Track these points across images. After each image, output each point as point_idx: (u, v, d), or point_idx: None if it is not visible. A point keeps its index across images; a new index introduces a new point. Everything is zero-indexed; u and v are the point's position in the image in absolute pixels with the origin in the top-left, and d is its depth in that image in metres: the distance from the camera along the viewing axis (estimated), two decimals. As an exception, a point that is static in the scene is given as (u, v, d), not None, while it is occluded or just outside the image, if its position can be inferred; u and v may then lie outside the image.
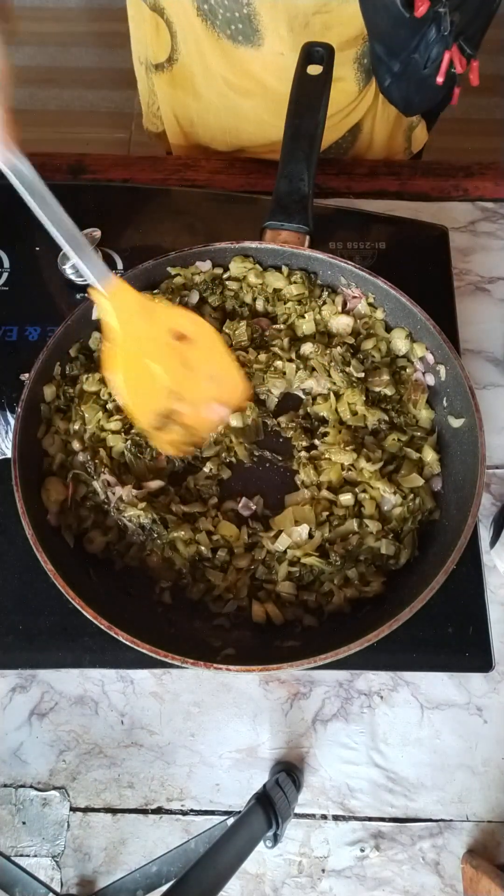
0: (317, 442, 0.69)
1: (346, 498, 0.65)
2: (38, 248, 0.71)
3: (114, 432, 0.68)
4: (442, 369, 0.69)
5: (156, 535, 0.64)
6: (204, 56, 0.88)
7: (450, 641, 0.65)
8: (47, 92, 2.08)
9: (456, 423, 0.67)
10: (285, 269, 0.74)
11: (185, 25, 0.86)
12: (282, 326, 0.73)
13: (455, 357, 0.66)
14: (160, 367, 0.63)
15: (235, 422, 0.69)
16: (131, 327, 0.62)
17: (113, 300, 0.60)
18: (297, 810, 0.62)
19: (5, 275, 0.82)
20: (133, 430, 0.68)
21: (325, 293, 0.74)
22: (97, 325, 0.73)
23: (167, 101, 0.98)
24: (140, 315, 0.62)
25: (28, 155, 0.88)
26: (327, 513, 0.65)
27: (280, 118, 0.77)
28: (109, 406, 0.69)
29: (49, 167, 0.89)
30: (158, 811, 0.62)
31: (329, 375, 0.70)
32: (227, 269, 0.75)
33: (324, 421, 0.70)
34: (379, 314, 0.73)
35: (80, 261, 0.58)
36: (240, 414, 0.69)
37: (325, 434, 0.69)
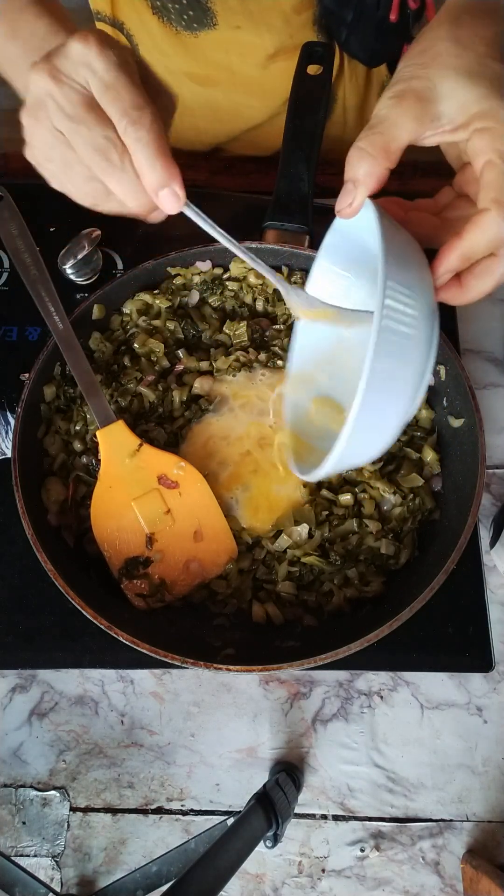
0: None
1: (345, 498, 0.65)
2: (38, 248, 0.71)
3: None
4: (442, 369, 0.69)
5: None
6: (166, 57, 0.87)
7: (450, 641, 0.65)
8: (47, 92, 2.07)
9: (456, 423, 0.67)
10: (285, 270, 0.74)
11: (143, 32, 0.86)
12: (282, 326, 0.73)
13: (455, 357, 0.66)
14: (140, 511, 0.63)
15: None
16: (119, 467, 0.63)
17: (106, 437, 0.63)
18: (297, 810, 0.62)
19: (5, 275, 0.82)
20: (136, 431, 0.68)
21: (325, 293, 0.74)
22: (97, 325, 0.73)
23: None
24: (130, 455, 0.63)
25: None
26: (327, 512, 0.65)
27: (252, 96, 0.76)
28: (111, 407, 0.69)
29: (49, 167, 0.89)
30: (158, 811, 0.62)
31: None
32: (227, 270, 0.75)
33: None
34: (379, 314, 0.73)
35: (88, 399, 0.64)
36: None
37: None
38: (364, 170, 0.43)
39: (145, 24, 0.84)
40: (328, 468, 0.46)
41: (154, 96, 0.43)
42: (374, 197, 0.45)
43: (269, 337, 0.73)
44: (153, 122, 0.40)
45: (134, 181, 0.42)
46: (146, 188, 0.42)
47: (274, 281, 0.49)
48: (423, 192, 0.93)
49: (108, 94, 0.40)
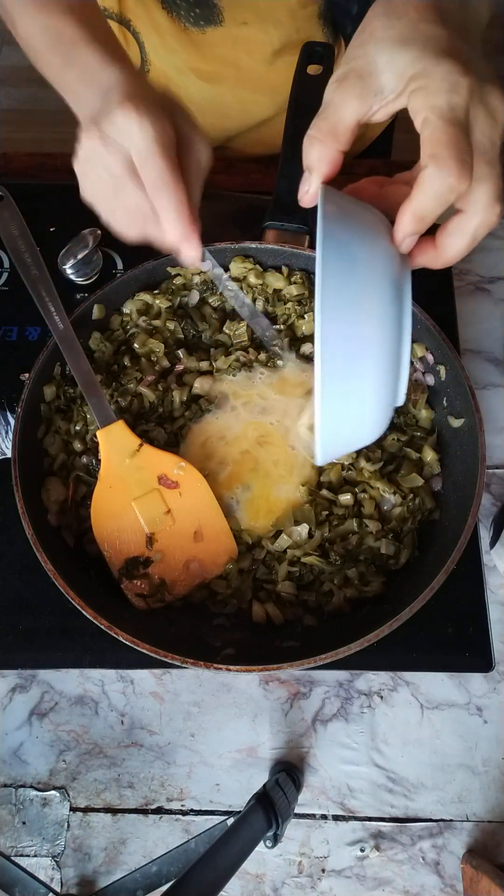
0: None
1: (345, 498, 0.65)
2: (38, 248, 0.71)
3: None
4: (442, 369, 0.69)
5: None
6: (173, 55, 0.87)
7: (450, 641, 0.65)
8: (48, 92, 2.08)
9: (456, 423, 0.67)
10: (285, 270, 0.74)
11: (151, 29, 0.86)
12: (282, 327, 0.73)
13: (455, 357, 0.66)
14: (140, 511, 0.63)
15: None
16: (120, 467, 0.63)
17: (106, 436, 0.63)
18: (297, 810, 0.62)
19: (5, 275, 0.82)
20: (136, 431, 0.68)
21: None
22: (97, 325, 0.73)
23: None
24: (130, 456, 0.63)
25: (27, 155, 0.88)
26: (327, 512, 0.65)
27: (259, 92, 0.75)
28: (111, 407, 0.69)
29: (49, 167, 0.89)
30: (158, 811, 0.62)
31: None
32: (227, 270, 0.75)
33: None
34: (379, 314, 0.73)
35: (88, 399, 0.64)
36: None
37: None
38: (315, 155, 0.45)
39: (154, 21, 0.84)
40: (319, 446, 0.47)
41: (189, 149, 0.52)
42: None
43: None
44: (173, 192, 0.49)
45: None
46: (171, 241, 0.52)
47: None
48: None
49: (142, 167, 0.48)
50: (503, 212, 0.42)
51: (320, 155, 0.44)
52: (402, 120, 1.10)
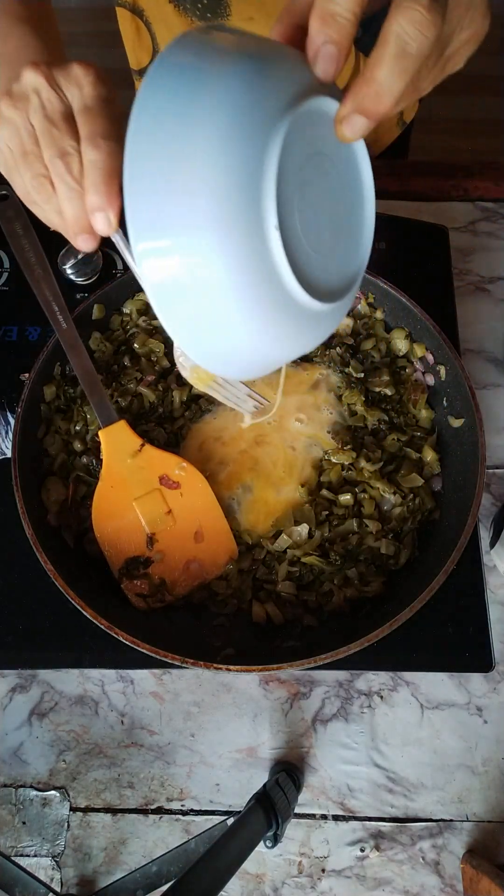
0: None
1: (345, 498, 0.65)
2: (38, 248, 0.72)
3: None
4: (442, 369, 0.69)
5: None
6: None
7: (450, 641, 0.65)
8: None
9: (456, 423, 0.67)
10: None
11: (161, 20, 0.86)
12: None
13: (455, 357, 0.66)
14: (141, 511, 0.63)
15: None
16: (121, 467, 0.63)
17: (108, 436, 0.63)
18: (297, 810, 0.62)
19: (5, 275, 0.82)
20: (136, 431, 0.68)
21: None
22: (97, 325, 0.73)
23: None
24: (132, 455, 0.63)
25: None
26: (327, 512, 0.65)
27: None
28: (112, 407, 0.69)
29: (49, 167, 0.89)
30: (158, 811, 0.62)
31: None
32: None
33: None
34: (379, 314, 0.73)
35: (90, 398, 0.64)
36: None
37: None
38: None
39: (163, 13, 0.85)
40: (155, 312, 0.39)
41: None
42: None
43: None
44: (112, 153, 0.43)
45: (80, 192, 0.45)
46: (86, 206, 0.45)
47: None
48: (423, 192, 0.93)
49: (85, 115, 0.44)
50: (434, 9, 0.34)
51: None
52: (420, 121, 1.10)
